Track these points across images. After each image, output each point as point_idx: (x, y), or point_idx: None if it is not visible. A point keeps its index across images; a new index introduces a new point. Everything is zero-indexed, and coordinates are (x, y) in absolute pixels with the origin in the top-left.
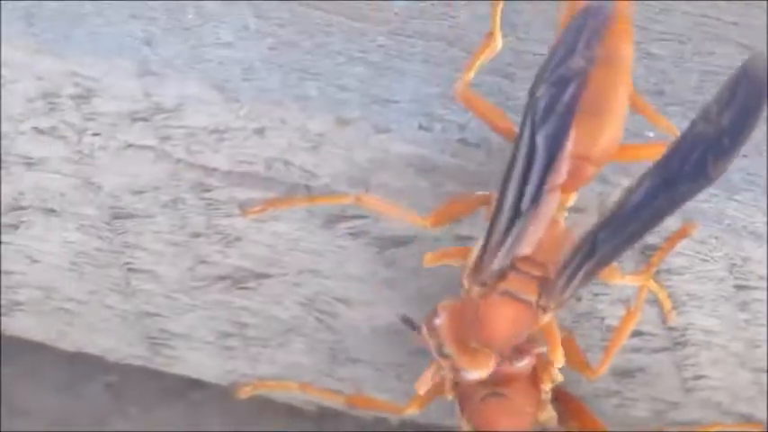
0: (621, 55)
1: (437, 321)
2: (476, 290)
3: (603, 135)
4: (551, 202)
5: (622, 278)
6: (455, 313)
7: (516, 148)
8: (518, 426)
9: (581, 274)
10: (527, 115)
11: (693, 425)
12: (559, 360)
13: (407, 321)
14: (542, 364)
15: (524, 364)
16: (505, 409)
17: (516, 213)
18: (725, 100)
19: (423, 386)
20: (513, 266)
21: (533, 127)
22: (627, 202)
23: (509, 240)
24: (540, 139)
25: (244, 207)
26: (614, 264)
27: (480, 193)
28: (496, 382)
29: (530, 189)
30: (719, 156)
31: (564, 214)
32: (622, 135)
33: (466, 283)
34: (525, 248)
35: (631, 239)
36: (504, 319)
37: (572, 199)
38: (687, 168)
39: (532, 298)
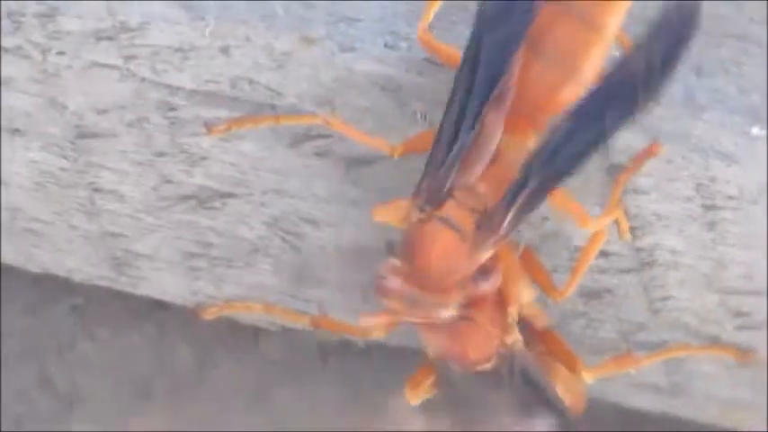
0: (604, 22)
1: (389, 284)
2: (416, 215)
3: (562, 89)
4: (492, 132)
5: (595, 224)
6: (397, 268)
7: (459, 71)
8: (483, 349)
9: (516, 206)
10: (473, 36)
11: (661, 346)
12: (524, 297)
13: (391, 249)
14: (508, 285)
15: (489, 285)
16: (470, 333)
17: (455, 137)
18: (653, 32)
19: (367, 321)
20: (451, 195)
21: (477, 47)
22: (558, 133)
23: (447, 164)
24: (484, 63)
25: (209, 126)
26: (584, 209)
27: None
28: (463, 305)
29: (469, 113)
30: (647, 88)
31: (518, 158)
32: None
33: (410, 209)
34: (466, 177)
35: (564, 170)
36: (437, 248)
37: (527, 143)
38: (615, 101)
39: (468, 229)
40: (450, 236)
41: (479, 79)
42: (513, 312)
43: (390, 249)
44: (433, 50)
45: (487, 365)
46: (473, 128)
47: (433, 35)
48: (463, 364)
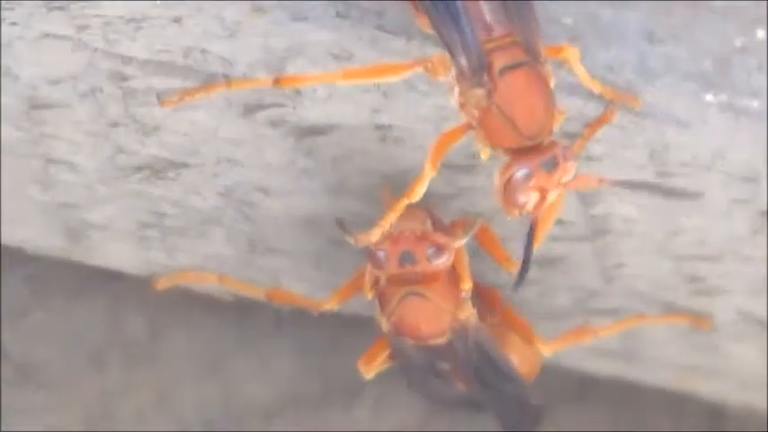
0: None
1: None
2: (479, 95)
3: None
4: None
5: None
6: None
7: None
8: (437, 325)
9: None
10: None
11: (615, 313)
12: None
13: (342, 226)
14: (461, 261)
15: (443, 261)
16: (424, 309)
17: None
18: None
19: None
20: (492, 42)
21: None
22: None
23: (461, 27)
24: None
25: (161, 97)
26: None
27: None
28: (415, 281)
29: None
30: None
31: None
32: None
33: (463, 101)
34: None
35: None
36: (527, 91)
37: None
38: None
39: (532, 58)
40: (530, 72)
41: None
42: (465, 288)
43: (342, 226)
44: None
45: (441, 340)
46: None
47: None
48: (416, 339)
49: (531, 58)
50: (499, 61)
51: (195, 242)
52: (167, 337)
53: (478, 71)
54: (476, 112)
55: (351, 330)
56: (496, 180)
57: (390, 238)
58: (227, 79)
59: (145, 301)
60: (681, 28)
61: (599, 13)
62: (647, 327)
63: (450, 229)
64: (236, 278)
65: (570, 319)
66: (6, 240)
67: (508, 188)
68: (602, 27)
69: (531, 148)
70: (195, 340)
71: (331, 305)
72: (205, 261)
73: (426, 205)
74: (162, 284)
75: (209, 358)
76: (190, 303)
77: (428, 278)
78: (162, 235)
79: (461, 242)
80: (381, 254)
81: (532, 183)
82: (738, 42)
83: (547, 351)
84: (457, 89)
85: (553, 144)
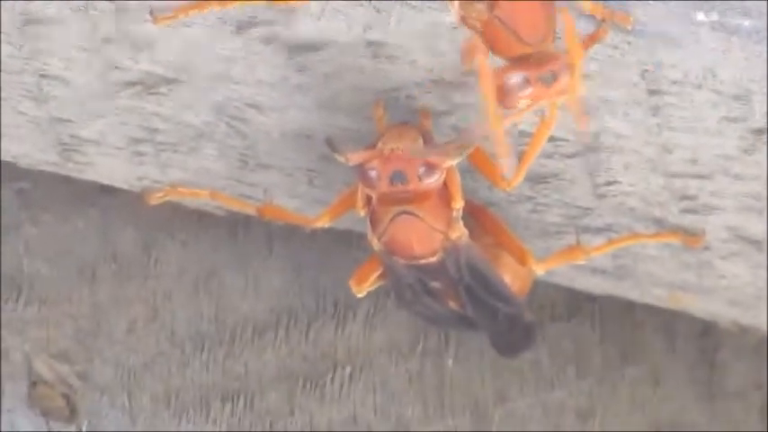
0: None
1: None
2: (480, 8)
3: None
4: None
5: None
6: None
7: None
8: (428, 245)
9: None
10: None
11: (606, 230)
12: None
13: (332, 144)
14: (453, 180)
15: (434, 180)
16: (415, 228)
17: None
18: None
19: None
20: None
21: None
22: None
23: None
24: None
25: (155, 14)
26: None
27: None
28: (406, 201)
29: None
30: None
31: None
32: None
33: (463, 14)
34: None
35: None
36: None
37: None
38: None
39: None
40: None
41: None
42: (456, 207)
43: (331, 144)
44: None
45: (432, 259)
46: None
47: None
48: (407, 258)
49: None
50: None
51: (187, 157)
52: (159, 252)
53: None
54: (477, 25)
55: (343, 246)
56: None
57: (381, 156)
58: None
59: (137, 216)
60: None
61: None
62: (638, 245)
63: (441, 148)
64: (227, 194)
65: (562, 236)
66: (0, 155)
67: (507, 93)
68: None
69: (533, 57)
70: (187, 255)
71: (323, 222)
72: (197, 176)
73: (419, 123)
74: (155, 199)
75: (200, 274)
76: (182, 218)
77: (419, 197)
78: (154, 150)
79: (453, 162)
80: (373, 173)
81: (527, 91)
82: None
83: (539, 270)
84: (456, 2)
85: (554, 57)
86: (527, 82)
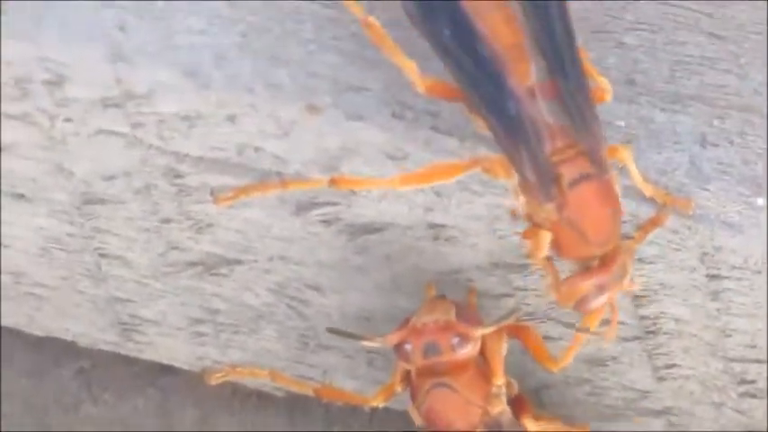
0: None
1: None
2: (549, 209)
3: None
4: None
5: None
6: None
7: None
8: (465, 419)
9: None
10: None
11: (665, 413)
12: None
13: (336, 332)
14: (494, 355)
15: (467, 351)
16: (451, 401)
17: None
18: None
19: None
20: (557, 154)
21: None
22: None
23: (533, 147)
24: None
25: (215, 194)
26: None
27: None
28: (442, 373)
29: (497, 93)
30: None
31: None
32: None
33: (531, 212)
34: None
35: None
36: (597, 204)
37: None
38: None
39: (596, 171)
40: (595, 185)
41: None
42: (497, 383)
43: (336, 333)
44: (444, 94)
45: None
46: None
47: (431, 79)
48: None
49: (597, 169)
50: (568, 175)
51: (247, 338)
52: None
53: (547, 185)
54: (546, 224)
55: (401, 425)
56: (564, 286)
57: (414, 330)
58: (282, 179)
59: (196, 396)
60: (733, 132)
61: (652, 115)
62: (698, 427)
63: (476, 319)
64: (287, 375)
65: (621, 418)
66: (58, 334)
67: (582, 301)
68: (655, 130)
69: (601, 260)
70: None
71: (378, 401)
72: (257, 357)
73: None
74: (215, 379)
75: None
76: (241, 399)
77: (456, 369)
78: (214, 331)
79: (485, 331)
80: (408, 347)
81: (603, 295)
82: None
83: None
84: (523, 199)
85: (618, 250)
86: (601, 289)
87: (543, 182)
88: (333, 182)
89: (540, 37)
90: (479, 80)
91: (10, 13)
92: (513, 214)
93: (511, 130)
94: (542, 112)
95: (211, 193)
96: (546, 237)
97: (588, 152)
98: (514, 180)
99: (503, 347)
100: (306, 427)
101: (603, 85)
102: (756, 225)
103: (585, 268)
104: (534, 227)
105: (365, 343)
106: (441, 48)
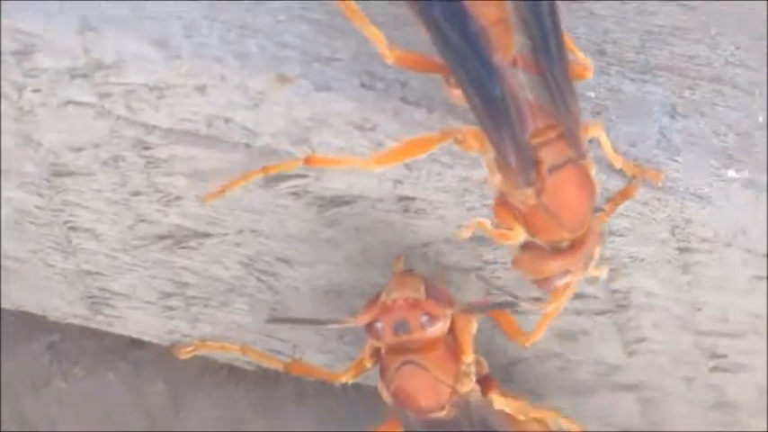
0: None
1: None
2: (527, 194)
3: None
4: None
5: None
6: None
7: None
8: (435, 397)
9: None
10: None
11: (636, 387)
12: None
13: (277, 320)
14: (463, 334)
15: (437, 329)
16: (420, 379)
17: (493, 106)
18: None
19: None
20: (538, 136)
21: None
22: None
23: (512, 130)
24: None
25: (202, 196)
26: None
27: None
28: (411, 350)
29: (485, 76)
30: None
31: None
32: None
33: (507, 192)
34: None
35: None
36: (574, 191)
37: None
38: None
39: (575, 155)
40: (574, 171)
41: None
42: (466, 361)
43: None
44: (413, 65)
45: (441, 413)
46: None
47: (400, 50)
48: (415, 410)
49: (576, 153)
50: (548, 159)
51: (217, 312)
52: (189, 405)
53: (527, 170)
54: (522, 207)
55: (373, 401)
56: (529, 265)
57: (384, 307)
58: (251, 152)
59: (166, 370)
60: (703, 103)
61: (622, 86)
62: (669, 401)
63: (446, 297)
64: (258, 348)
65: (592, 393)
66: (27, 308)
67: (546, 281)
68: (625, 100)
69: (571, 242)
70: (216, 409)
71: (348, 377)
72: (227, 331)
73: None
74: (185, 353)
75: (230, 427)
76: (212, 372)
77: (425, 347)
78: (184, 304)
79: (454, 310)
80: (378, 324)
81: (568, 276)
82: (761, 118)
83: None
84: (499, 177)
85: (588, 234)
86: (568, 272)
87: (523, 166)
88: (308, 161)
89: (525, 13)
90: (466, 57)
91: None
92: (488, 187)
93: (494, 111)
94: (524, 87)
95: (197, 198)
96: (520, 235)
97: (567, 134)
98: (489, 154)
99: (473, 326)
100: (277, 401)
101: (584, 62)
102: (726, 197)
103: (555, 249)
104: (507, 206)
105: (335, 326)
106: (430, 22)
